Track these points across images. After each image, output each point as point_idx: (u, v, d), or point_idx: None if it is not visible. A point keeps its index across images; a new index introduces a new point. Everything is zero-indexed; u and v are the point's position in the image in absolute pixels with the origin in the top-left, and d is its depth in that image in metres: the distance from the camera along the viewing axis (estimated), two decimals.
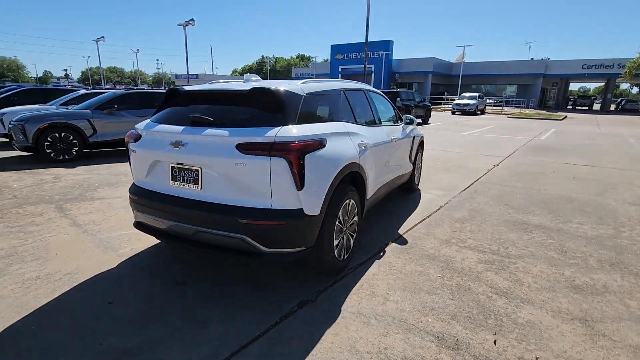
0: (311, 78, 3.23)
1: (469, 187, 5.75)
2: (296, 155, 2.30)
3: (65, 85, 30.19)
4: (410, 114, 16.89)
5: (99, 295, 2.60)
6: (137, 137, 2.77)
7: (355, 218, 3.07)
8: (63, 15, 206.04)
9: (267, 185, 2.32)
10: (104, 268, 2.98)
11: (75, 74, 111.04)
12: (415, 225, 4.05)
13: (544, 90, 42.97)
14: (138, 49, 63.06)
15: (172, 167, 2.57)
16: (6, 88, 12.76)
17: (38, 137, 6.94)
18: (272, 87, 2.58)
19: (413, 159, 4.90)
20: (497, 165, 7.61)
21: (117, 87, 40.91)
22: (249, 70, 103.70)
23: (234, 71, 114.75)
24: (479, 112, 27.21)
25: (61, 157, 7.21)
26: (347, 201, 2.85)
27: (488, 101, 32.48)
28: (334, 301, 2.56)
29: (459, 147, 10.08)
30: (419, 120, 16.35)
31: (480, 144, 10.84)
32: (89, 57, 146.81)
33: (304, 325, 2.28)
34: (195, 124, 2.53)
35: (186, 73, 35.34)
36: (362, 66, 44.66)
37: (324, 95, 2.98)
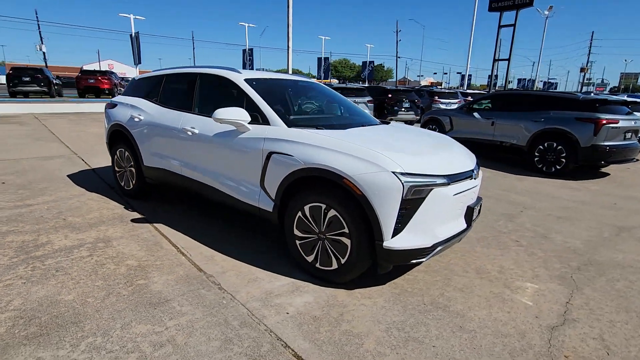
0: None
1: None
2: (104, 108, 4.72)
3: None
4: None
5: None
6: None
7: (135, 165, 4.17)
8: None
9: None
10: None
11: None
12: None
13: None
14: None
15: None
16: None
17: None
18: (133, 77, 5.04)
19: (272, 193, 2.75)
20: None
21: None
22: None
23: None
24: None
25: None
26: (122, 149, 4.30)
27: None
28: None
29: None
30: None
31: None
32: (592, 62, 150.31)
33: None
34: None
35: None
36: None
37: (145, 80, 4.44)
